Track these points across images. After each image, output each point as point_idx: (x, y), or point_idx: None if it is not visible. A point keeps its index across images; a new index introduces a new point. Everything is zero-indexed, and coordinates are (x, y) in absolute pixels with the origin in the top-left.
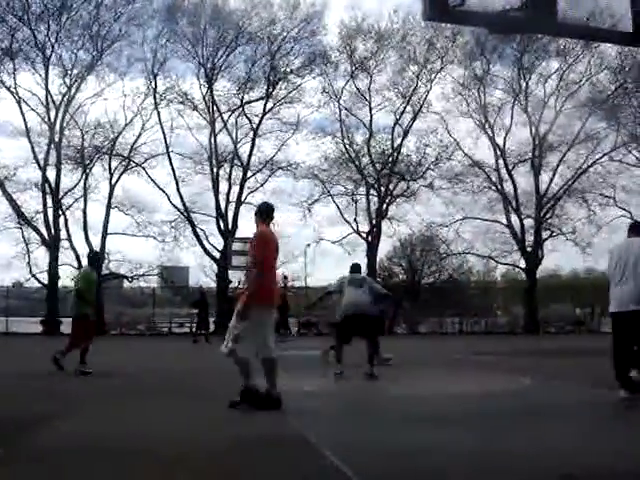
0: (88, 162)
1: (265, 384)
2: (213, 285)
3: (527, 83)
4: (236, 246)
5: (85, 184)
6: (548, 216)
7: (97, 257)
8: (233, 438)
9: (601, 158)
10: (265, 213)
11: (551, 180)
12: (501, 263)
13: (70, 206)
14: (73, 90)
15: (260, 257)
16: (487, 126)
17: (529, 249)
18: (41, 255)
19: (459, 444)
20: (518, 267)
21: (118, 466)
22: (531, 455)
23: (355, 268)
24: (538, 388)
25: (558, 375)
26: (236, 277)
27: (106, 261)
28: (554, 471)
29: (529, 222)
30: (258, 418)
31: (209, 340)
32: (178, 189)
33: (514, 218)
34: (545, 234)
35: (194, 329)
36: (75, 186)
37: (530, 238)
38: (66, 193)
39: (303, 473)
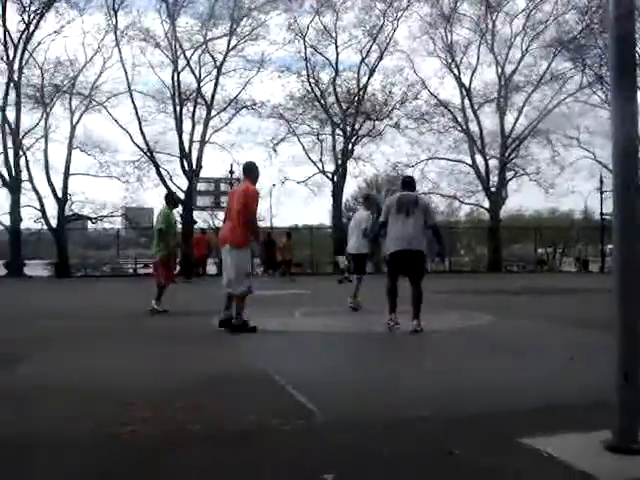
0: (48, 101)
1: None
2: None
3: (494, 22)
4: (201, 186)
5: (46, 124)
6: (512, 156)
7: (173, 197)
8: (199, 375)
9: (566, 98)
10: (256, 173)
11: (516, 120)
12: (465, 203)
13: (31, 146)
14: (32, 27)
15: (255, 212)
16: (453, 65)
17: (493, 189)
18: (3, 197)
19: (423, 379)
20: (482, 207)
21: (76, 405)
22: (486, 386)
23: (407, 183)
24: (499, 324)
25: (518, 311)
26: (201, 218)
27: (69, 202)
28: (522, 404)
29: (494, 162)
30: (225, 356)
31: (176, 281)
32: (141, 129)
33: (479, 158)
34: (509, 174)
35: None
36: (35, 126)
37: (494, 178)
38: (26, 133)
39: (269, 408)
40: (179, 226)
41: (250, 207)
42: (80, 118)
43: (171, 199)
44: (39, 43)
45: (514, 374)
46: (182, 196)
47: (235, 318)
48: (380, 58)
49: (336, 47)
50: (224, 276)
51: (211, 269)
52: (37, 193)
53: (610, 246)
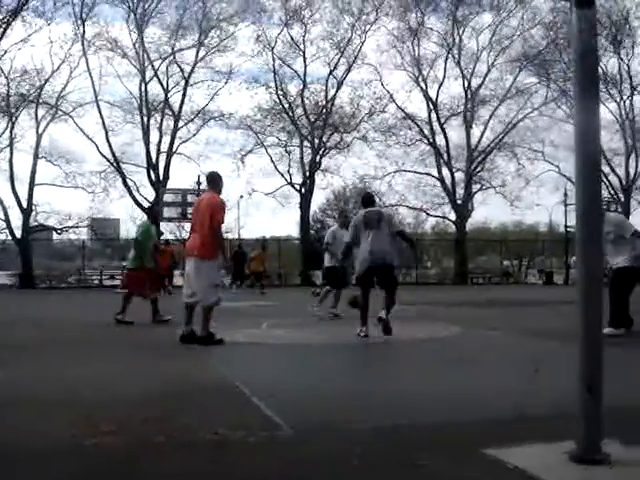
0: (14, 110)
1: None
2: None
3: (460, 37)
4: (167, 197)
5: (11, 133)
6: (479, 169)
7: (155, 210)
8: (165, 387)
9: (531, 112)
10: (221, 184)
11: (482, 134)
12: (432, 215)
13: None
14: None
15: (222, 222)
16: (420, 79)
17: (459, 202)
18: None
19: (390, 390)
20: (448, 219)
21: (40, 415)
22: (453, 396)
23: (368, 200)
24: (466, 335)
25: (484, 323)
26: (168, 229)
27: (34, 212)
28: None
29: (460, 175)
30: (191, 367)
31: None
32: (107, 139)
33: (445, 171)
34: (475, 187)
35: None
36: (0, 135)
37: (461, 191)
38: None
39: (234, 421)
40: (154, 240)
41: (216, 218)
42: (46, 128)
43: (152, 213)
44: (5, 52)
45: (481, 385)
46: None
47: (201, 330)
48: (348, 71)
49: (304, 60)
50: (185, 287)
51: (178, 280)
52: (1, 203)
53: (574, 258)
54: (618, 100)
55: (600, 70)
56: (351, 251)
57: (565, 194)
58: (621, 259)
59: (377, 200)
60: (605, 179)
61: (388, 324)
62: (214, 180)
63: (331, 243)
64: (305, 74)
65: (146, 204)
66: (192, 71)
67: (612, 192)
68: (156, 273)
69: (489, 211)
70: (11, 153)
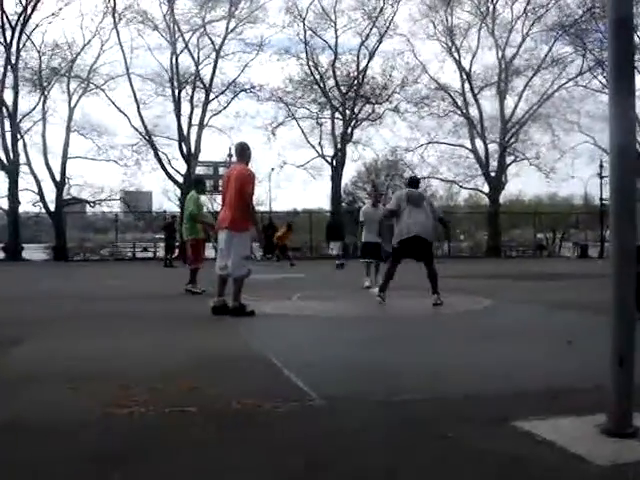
0: (46, 84)
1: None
2: (177, 210)
3: (494, 5)
4: (199, 170)
5: (44, 107)
6: (512, 141)
7: (201, 181)
8: (197, 358)
9: (566, 83)
10: (249, 154)
11: (516, 105)
12: (465, 188)
13: (29, 130)
14: (29, 10)
15: (252, 193)
16: (453, 49)
17: (493, 174)
18: (1, 181)
19: (422, 362)
20: (482, 192)
21: (74, 387)
22: (484, 369)
23: (413, 182)
24: (499, 308)
25: (517, 296)
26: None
27: (67, 186)
28: (505, 389)
29: (493, 147)
30: (223, 339)
31: (173, 264)
32: (139, 112)
33: (479, 143)
34: (509, 159)
35: (164, 254)
36: (33, 109)
37: (494, 163)
38: (24, 116)
39: (265, 391)
40: (204, 211)
41: (246, 190)
42: (78, 101)
43: (200, 184)
44: (37, 26)
45: (513, 358)
46: (180, 179)
47: (233, 301)
48: (380, 41)
49: (335, 30)
50: (218, 260)
51: (210, 253)
52: (35, 177)
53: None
54: None
55: (637, 39)
56: (394, 215)
57: (601, 166)
58: None
59: (410, 172)
60: None
61: (438, 301)
62: (242, 151)
63: (364, 221)
64: (336, 45)
65: (178, 177)
66: (223, 43)
67: None
68: (204, 242)
69: (523, 183)
70: (44, 127)
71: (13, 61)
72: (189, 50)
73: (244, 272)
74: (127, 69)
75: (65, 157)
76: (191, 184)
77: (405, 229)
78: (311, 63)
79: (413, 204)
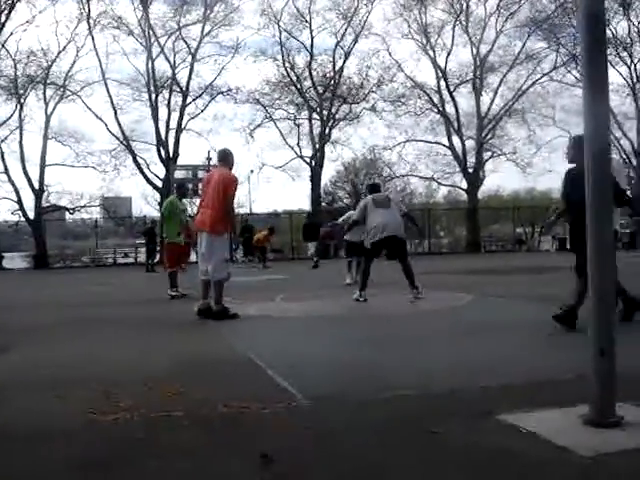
0: (22, 92)
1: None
2: (157, 214)
3: (468, 3)
4: (178, 174)
5: (20, 115)
6: (489, 137)
7: (182, 186)
8: (181, 362)
9: (541, 78)
10: (232, 161)
11: (492, 101)
12: (443, 184)
13: (6, 138)
14: (3, 18)
15: (234, 197)
16: (428, 47)
17: (471, 170)
18: None
19: (404, 359)
20: (460, 188)
21: (60, 393)
22: (467, 364)
23: (375, 188)
24: (479, 303)
25: (497, 291)
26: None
27: (46, 193)
28: (490, 380)
29: (470, 143)
30: (207, 342)
31: (155, 269)
32: (116, 117)
33: (456, 139)
34: (486, 155)
35: (146, 259)
36: (10, 117)
37: (472, 159)
38: (1, 125)
39: (250, 393)
40: (186, 214)
41: (228, 192)
42: (55, 108)
43: (180, 188)
44: (11, 34)
45: (496, 352)
46: (159, 184)
47: (215, 305)
48: (355, 41)
49: (310, 31)
50: (200, 264)
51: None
52: (13, 185)
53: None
54: (629, 63)
55: (609, 33)
56: (357, 225)
57: None
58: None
59: (388, 170)
60: (617, 143)
61: (419, 295)
62: (225, 157)
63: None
64: (312, 46)
65: (157, 181)
66: (198, 46)
67: (624, 156)
68: (182, 246)
69: (501, 179)
70: (21, 135)
71: None
72: (165, 54)
73: (224, 275)
74: (103, 75)
75: (43, 164)
76: (171, 188)
77: (378, 230)
78: (287, 64)
79: (382, 206)
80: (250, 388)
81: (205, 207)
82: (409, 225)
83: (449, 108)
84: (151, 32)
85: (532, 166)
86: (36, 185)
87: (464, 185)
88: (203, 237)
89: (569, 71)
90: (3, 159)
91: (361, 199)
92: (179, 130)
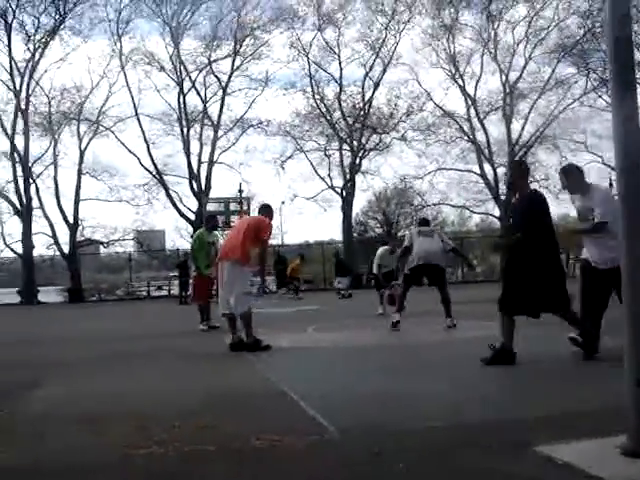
0: (56, 128)
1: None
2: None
3: (496, 31)
4: (210, 207)
5: (54, 151)
6: None
7: (211, 219)
8: (214, 395)
9: (572, 104)
10: (272, 214)
11: (523, 127)
12: (475, 212)
13: (40, 174)
14: (37, 56)
15: (267, 242)
16: (457, 76)
17: (503, 197)
18: (14, 225)
19: (436, 390)
20: (493, 215)
21: (92, 428)
22: (500, 395)
23: (424, 222)
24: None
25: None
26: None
27: (80, 227)
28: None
29: (502, 170)
30: (239, 374)
31: (188, 301)
32: (149, 151)
33: (487, 167)
34: None
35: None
36: (44, 153)
37: (503, 186)
38: (36, 161)
39: (283, 426)
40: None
41: (262, 236)
42: (88, 144)
43: (210, 220)
44: (45, 71)
45: (529, 382)
46: (192, 217)
47: (247, 338)
48: (384, 71)
49: (339, 62)
50: (221, 297)
51: None
52: (48, 220)
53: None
54: None
55: (638, 55)
56: (408, 252)
57: (610, 184)
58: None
59: (419, 199)
60: None
61: (453, 323)
62: (266, 209)
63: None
64: (341, 77)
65: (190, 214)
66: (229, 80)
67: None
68: (210, 278)
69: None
70: (55, 170)
71: (23, 107)
72: (196, 89)
73: (246, 308)
74: (135, 110)
75: (77, 199)
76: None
77: (417, 257)
78: (317, 96)
79: (425, 235)
80: (282, 421)
81: (230, 238)
82: (457, 258)
83: (480, 136)
84: (182, 67)
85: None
86: (71, 219)
87: (497, 212)
88: (225, 267)
89: (600, 96)
90: (38, 195)
91: (392, 228)
92: (211, 163)
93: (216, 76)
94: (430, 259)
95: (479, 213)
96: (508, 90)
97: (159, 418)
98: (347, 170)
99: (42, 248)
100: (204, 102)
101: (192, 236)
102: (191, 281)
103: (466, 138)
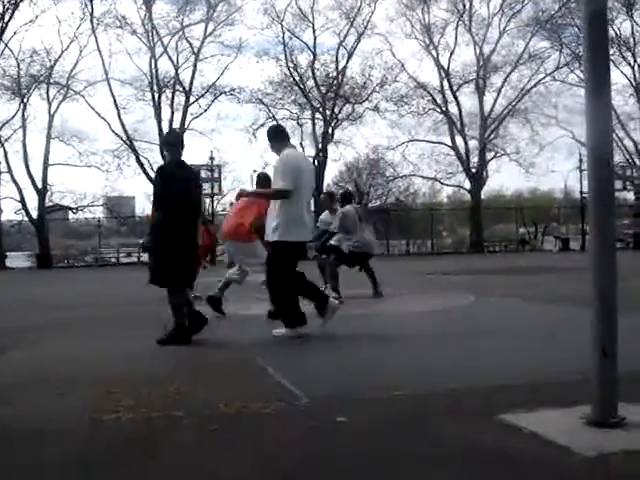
0: (25, 92)
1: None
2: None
3: (471, 2)
4: None
5: (23, 114)
6: (492, 137)
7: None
8: (181, 362)
9: (544, 78)
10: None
11: (495, 101)
12: (446, 185)
13: (9, 138)
14: (6, 17)
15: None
16: (431, 47)
17: (474, 170)
18: None
19: (403, 360)
20: (463, 188)
21: (60, 392)
22: (468, 364)
23: (349, 197)
24: (481, 304)
25: (500, 291)
26: None
27: (49, 193)
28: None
29: (474, 143)
30: (208, 342)
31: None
32: (119, 117)
33: (459, 140)
34: (489, 155)
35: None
36: (13, 117)
37: (475, 159)
38: (4, 124)
39: (252, 393)
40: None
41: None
42: (58, 108)
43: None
44: (14, 33)
45: (499, 352)
46: None
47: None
48: (358, 41)
49: (313, 31)
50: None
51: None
52: (16, 184)
53: None
54: (632, 63)
55: (613, 33)
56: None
57: (580, 160)
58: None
59: (391, 170)
60: (620, 144)
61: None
62: (267, 181)
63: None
64: (315, 45)
65: None
66: (201, 46)
67: (627, 157)
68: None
69: (504, 179)
70: (24, 134)
71: None
72: (168, 54)
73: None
74: (106, 74)
75: (46, 164)
76: None
77: (364, 245)
78: (290, 64)
79: (364, 221)
80: (251, 388)
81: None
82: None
83: (452, 108)
84: (154, 32)
85: (535, 166)
86: (39, 184)
87: (467, 185)
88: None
89: (572, 71)
90: (6, 159)
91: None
92: (182, 130)
93: (189, 41)
94: (371, 249)
95: (450, 185)
96: (482, 63)
97: (128, 384)
98: (319, 139)
99: (10, 213)
100: (176, 68)
101: None
102: None
103: (439, 110)
